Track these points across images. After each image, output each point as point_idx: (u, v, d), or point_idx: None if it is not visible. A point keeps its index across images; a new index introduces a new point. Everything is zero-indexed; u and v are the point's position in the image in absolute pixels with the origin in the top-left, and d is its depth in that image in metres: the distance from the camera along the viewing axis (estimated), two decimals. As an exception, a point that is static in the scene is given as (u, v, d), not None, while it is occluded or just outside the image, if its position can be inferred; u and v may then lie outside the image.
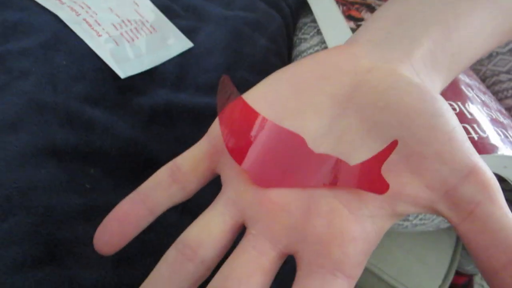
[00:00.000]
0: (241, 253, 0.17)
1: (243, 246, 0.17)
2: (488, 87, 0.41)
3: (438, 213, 0.17)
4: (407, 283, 0.39)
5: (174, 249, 0.18)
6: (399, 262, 0.40)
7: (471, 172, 0.16)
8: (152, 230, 0.25)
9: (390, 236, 0.40)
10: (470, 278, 0.73)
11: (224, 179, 0.19)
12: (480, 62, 0.41)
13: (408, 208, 0.17)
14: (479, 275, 0.64)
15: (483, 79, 0.41)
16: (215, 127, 0.20)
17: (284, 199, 0.17)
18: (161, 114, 0.30)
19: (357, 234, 0.16)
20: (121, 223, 0.19)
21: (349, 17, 0.35)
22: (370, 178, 0.17)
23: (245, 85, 0.34)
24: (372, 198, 0.17)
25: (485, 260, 0.15)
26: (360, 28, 0.23)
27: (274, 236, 0.17)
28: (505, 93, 0.39)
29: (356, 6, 0.37)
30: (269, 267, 0.17)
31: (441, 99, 0.18)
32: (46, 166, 0.24)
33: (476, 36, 0.23)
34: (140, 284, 0.18)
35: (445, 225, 0.38)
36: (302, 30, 0.40)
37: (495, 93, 0.40)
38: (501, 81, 0.40)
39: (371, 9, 0.37)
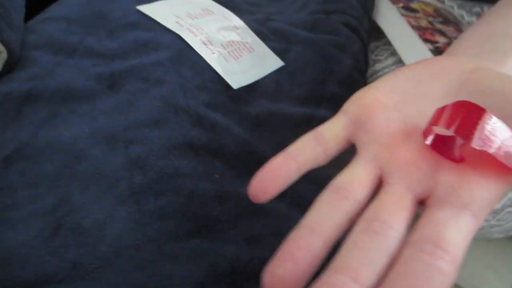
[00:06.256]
0: (384, 195, 0.19)
1: (384, 191, 0.20)
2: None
3: None
4: (478, 286, 0.40)
5: (327, 191, 0.20)
6: (469, 268, 0.41)
7: None
8: (270, 216, 0.29)
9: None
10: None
11: (359, 145, 0.22)
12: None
13: None
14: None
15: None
16: (348, 106, 0.24)
17: (415, 157, 0.21)
18: (265, 120, 0.34)
19: (483, 183, 0.19)
20: (275, 174, 0.21)
21: (425, 40, 0.39)
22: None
23: (335, 98, 0.38)
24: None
25: None
26: (452, 46, 0.27)
27: (409, 185, 0.20)
28: None
29: (429, 31, 0.41)
30: (409, 205, 0.19)
31: None
32: (187, 158, 0.28)
33: None
34: (267, 259, 0.18)
35: (517, 232, 0.39)
36: (375, 52, 0.44)
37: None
38: None
39: (443, 33, 0.41)
